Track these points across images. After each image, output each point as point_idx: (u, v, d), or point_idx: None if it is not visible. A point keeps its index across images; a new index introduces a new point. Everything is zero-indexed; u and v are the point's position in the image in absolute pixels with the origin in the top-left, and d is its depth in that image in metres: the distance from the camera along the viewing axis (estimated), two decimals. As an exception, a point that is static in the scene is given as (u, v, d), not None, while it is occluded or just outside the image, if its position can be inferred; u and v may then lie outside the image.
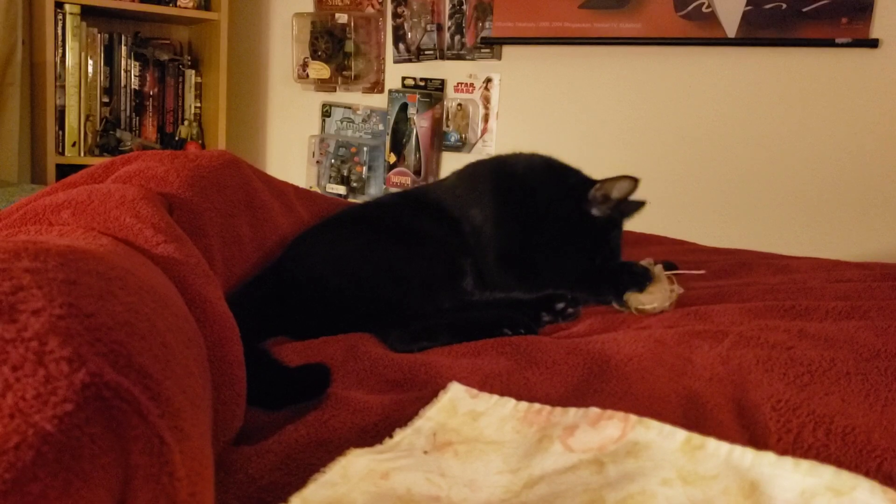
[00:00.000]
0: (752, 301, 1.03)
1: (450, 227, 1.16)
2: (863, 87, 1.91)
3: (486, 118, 2.49)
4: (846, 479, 0.51)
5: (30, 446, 0.34)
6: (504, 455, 0.58)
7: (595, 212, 1.13)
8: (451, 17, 2.51)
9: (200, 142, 2.87)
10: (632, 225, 1.63)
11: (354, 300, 0.98)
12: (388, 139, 2.62)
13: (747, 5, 2.01)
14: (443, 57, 2.54)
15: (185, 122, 2.85)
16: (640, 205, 1.19)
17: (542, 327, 0.95)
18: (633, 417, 0.60)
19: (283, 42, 2.85)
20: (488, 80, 2.47)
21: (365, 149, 2.72)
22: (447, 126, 2.55)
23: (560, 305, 0.95)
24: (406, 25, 2.60)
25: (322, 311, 0.97)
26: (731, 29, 2.04)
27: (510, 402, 0.65)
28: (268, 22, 2.95)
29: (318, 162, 2.81)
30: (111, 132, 2.68)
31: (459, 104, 2.52)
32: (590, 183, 1.13)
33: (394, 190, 2.65)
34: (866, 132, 1.92)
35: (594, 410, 0.62)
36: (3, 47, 2.43)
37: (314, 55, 2.71)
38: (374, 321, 0.93)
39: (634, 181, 1.09)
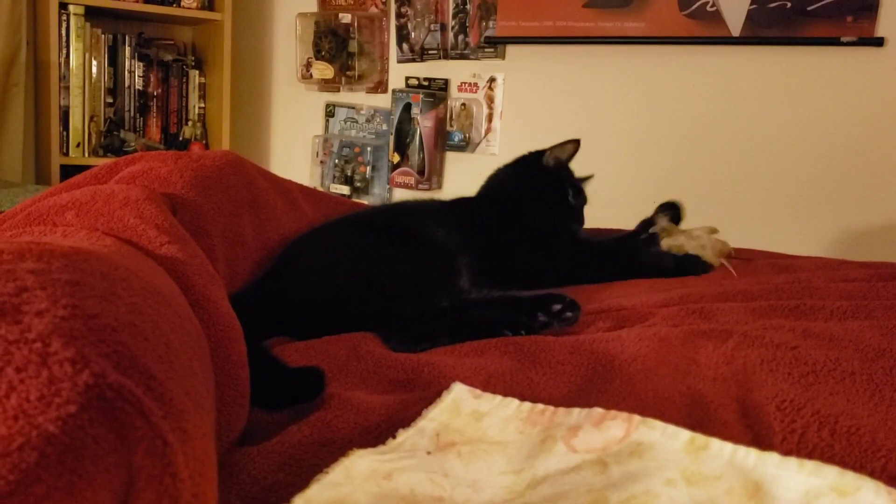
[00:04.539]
0: (757, 300, 1.02)
1: (451, 227, 1.18)
2: (868, 85, 1.91)
3: (489, 118, 2.48)
4: (851, 479, 0.51)
5: (33, 448, 0.34)
6: (507, 455, 0.58)
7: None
8: (454, 16, 2.51)
9: (204, 142, 2.87)
10: (635, 223, 1.63)
11: (351, 300, 0.98)
12: (391, 139, 2.62)
13: (752, 4, 2.00)
14: (446, 57, 2.54)
15: (189, 123, 2.86)
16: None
17: (537, 329, 0.92)
18: (636, 418, 0.60)
19: (287, 42, 2.85)
20: (492, 80, 2.47)
21: (368, 149, 2.72)
22: (451, 126, 2.55)
23: (557, 307, 0.93)
24: (410, 25, 2.60)
25: (320, 312, 0.97)
26: (735, 28, 2.03)
27: (513, 403, 0.65)
28: (271, 22, 2.95)
29: (321, 162, 2.81)
30: (115, 133, 2.69)
31: (463, 104, 2.52)
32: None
33: (397, 190, 2.65)
34: (872, 131, 1.91)
35: (597, 411, 0.62)
36: (7, 48, 2.44)
37: (318, 55, 2.71)
38: (372, 321, 0.93)
39: (576, 143, 1.39)
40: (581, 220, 1.40)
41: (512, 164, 1.44)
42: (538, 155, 1.41)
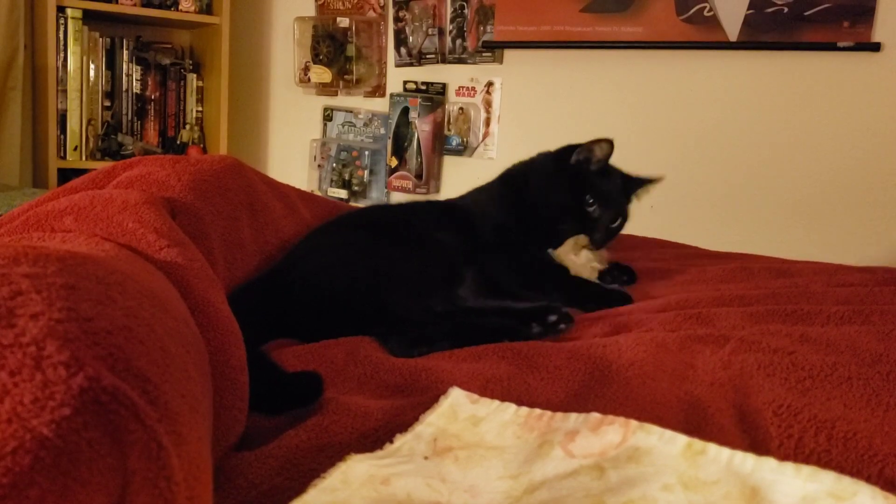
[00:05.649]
0: (754, 305, 1.02)
1: (461, 234, 1.18)
2: (864, 90, 1.91)
3: (487, 122, 2.49)
4: (847, 484, 0.51)
5: (27, 451, 0.34)
6: (505, 460, 0.58)
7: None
8: (452, 20, 2.51)
9: (202, 146, 2.87)
10: (634, 229, 1.64)
11: (345, 302, 0.98)
12: (389, 143, 2.62)
13: (749, 9, 2.01)
14: (444, 61, 2.55)
15: (187, 126, 2.86)
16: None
17: (533, 339, 0.91)
18: (633, 423, 0.60)
19: (285, 46, 2.85)
20: (490, 84, 2.48)
21: (366, 153, 2.72)
22: (449, 130, 2.56)
23: (552, 318, 0.95)
24: (407, 29, 2.60)
25: (316, 314, 0.97)
26: (732, 33, 2.04)
27: (511, 408, 0.65)
28: (269, 26, 2.96)
29: (319, 166, 2.81)
30: (113, 136, 2.69)
31: (461, 108, 2.53)
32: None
33: (395, 194, 2.65)
34: (868, 136, 1.92)
35: (595, 416, 0.62)
36: (5, 51, 2.44)
37: (316, 59, 2.71)
38: (367, 323, 0.93)
39: (610, 143, 1.25)
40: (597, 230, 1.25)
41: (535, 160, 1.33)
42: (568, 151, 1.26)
